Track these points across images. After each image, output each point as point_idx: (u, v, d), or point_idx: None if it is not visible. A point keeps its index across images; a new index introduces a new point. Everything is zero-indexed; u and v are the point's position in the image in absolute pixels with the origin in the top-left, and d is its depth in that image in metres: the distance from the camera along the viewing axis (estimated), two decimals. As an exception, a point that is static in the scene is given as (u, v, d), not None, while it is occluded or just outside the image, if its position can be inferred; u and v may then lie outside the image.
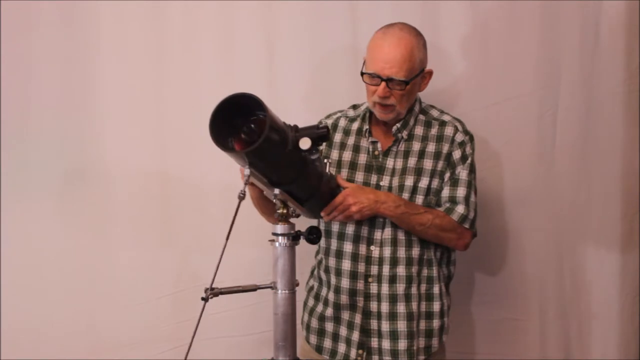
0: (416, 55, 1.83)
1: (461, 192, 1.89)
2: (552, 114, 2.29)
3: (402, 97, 1.84)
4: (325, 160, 1.77)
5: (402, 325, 1.88)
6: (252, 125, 1.46)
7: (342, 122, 2.02)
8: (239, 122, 1.49)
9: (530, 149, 2.30)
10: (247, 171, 1.46)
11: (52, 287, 2.33)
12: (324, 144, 1.98)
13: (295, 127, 1.55)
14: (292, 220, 1.63)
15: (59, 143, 2.33)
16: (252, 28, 2.32)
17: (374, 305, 1.90)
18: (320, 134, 1.52)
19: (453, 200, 1.88)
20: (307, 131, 1.54)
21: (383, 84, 1.81)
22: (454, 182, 1.90)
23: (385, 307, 1.89)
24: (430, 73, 1.92)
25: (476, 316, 2.37)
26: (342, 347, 1.95)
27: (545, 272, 2.34)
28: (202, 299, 1.48)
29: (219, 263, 1.43)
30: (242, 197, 1.44)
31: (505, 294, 2.36)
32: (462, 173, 1.90)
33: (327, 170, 1.75)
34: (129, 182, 2.34)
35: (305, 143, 1.51)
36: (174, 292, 2.37)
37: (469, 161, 1.91)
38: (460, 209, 1.87)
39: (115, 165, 2.34)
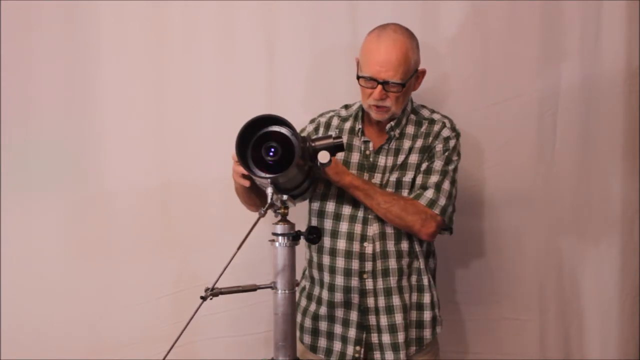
0: (411, 57, 1.83)
1: (433, 179, 1.87)
2: (552, 114, 2.29)
3: (397, 98, 1.85)
4: None
5: (399, 318, 1.90)
6: (274, 143, 1.46)
7: (335, 122, 2.03)
8: (257, 134, 1.49)
9: (530, 149, 2.30)
10: (269, 190, 1.48)
11: (52, 287, 2.33)
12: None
13: (309, 138, 1.56)
14: (292, 219, 1.63)
15: (59, 143, 2.32)
16: (252, 28, 2.32)
17: (370, 301, 1.90)
18: (337, 145, 1.55)
19: (424, 187, 1.87)
20: (322, 143, 1.56)
21: (379, 87, 1.82)
22: (427, 171, 1.89)
23: (382, 302, 1.90)
24: (424, 72, 1.93)
25: (476, 316, 2.37)
26: (337, 346, 1.95)
27: (545, 272, 2.34)
28: (201, 297, 1.49)
29: (225, 268, 1.43)
30: (262, 215, 1.46)
31: (504, 294, 2.36)
32: (437, 163, 1.89)
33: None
34: (129, 182, 2.34)
35: (324, 157, 1.53)
36: (174, 292, 2.36)
37: (447, 154, 1.91)
38: (429, 193, 1.86)
39: (115, 165, 2.34)
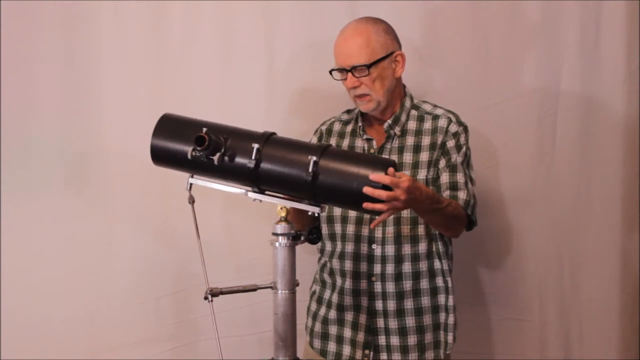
0: (374, 39, 1.85)
1: (460, 177, 1.87)
2: (552, 114, 2.29)
3: (372, 82, 1.85)
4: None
5: (410, 321, 1.89)
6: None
7: (337, 127, 2.03)
8: None
9: (530, 149, 2.30)
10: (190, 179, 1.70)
11: (52, 287, 2.33)
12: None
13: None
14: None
15: (60, 143, 2.32)
16: (252, 28, 2.32)
17: (379, 304, 1.90)
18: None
19: (453, 187, 1.86)
20: None
21: (349, 74, 1.85)
22: (452, 168, 1.88)
23: (392, 305, 1.89)
24: (402, 56, 1.91)
25: (476, 316, 2.37)
26: (346, 350, 1.94)
27: (545, 272, 2.34)
28: (205, 298, 1.49)
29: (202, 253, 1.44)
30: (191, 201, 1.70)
31: (505, 294, 2.36)
32: (458, 159, 1.89)
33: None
34: (130, 182, 2.33)
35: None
36: (174, 292, 2.36)
37: (463, 150, 1.90)
38: (462, 194, 1.85)
39: (116, 166, 2.34)
